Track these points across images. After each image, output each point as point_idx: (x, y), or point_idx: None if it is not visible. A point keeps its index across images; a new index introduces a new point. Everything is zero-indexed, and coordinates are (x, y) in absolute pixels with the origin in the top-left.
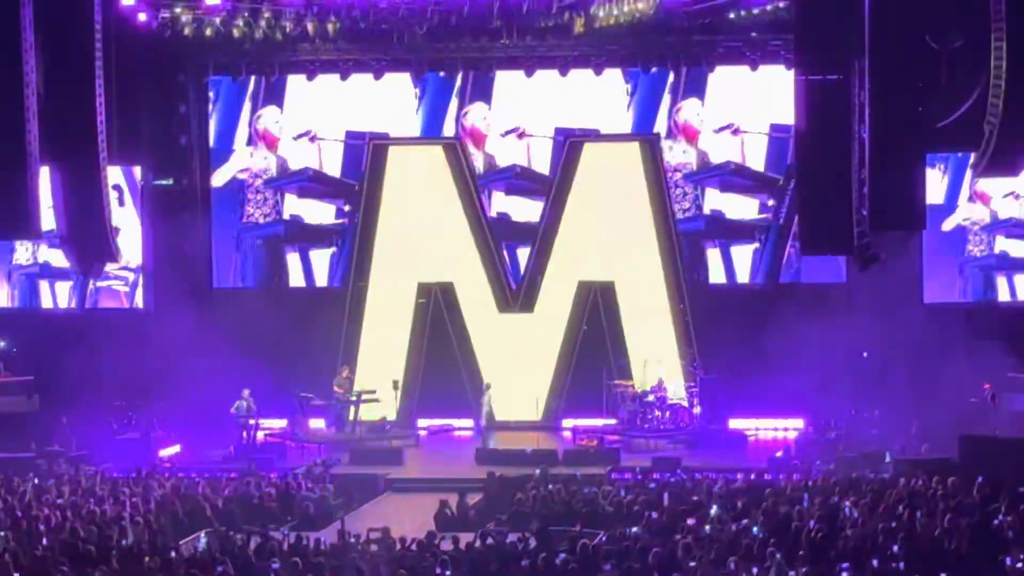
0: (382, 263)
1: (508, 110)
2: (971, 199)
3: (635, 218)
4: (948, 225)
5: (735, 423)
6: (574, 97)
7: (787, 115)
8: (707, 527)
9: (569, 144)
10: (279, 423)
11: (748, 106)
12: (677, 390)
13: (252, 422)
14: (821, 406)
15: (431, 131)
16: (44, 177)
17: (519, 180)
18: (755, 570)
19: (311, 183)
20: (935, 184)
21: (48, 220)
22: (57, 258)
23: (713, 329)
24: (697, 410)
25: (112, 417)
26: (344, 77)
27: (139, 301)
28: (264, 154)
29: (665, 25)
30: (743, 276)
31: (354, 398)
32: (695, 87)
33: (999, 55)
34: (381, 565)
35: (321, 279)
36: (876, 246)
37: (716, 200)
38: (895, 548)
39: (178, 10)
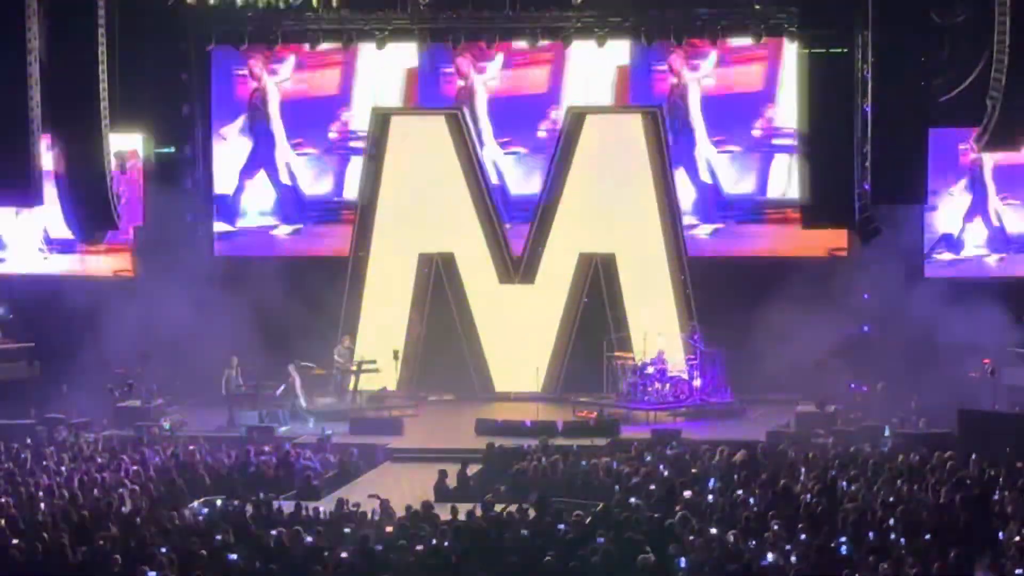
0: (383, 233)
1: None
2: None
3: (637, 190)
4: None
5: (735, 396)
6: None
7: None
8: (708, 498)
9: (571, 115)
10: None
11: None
12: (677, 362)
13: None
14: (820, 379)
15: (432, 101)
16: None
17: None
18: (752, 542)
19: None
20: None
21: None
22: None
23: (714, 301)
24: (697, 383)
25: (112, 384)
26: (346, 46)
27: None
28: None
29: None
30: None
31: (354, 368)
32: None
33: (1002, 30)
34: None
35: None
36: (878, 219)
37: None
38: (893, 522)
39: None
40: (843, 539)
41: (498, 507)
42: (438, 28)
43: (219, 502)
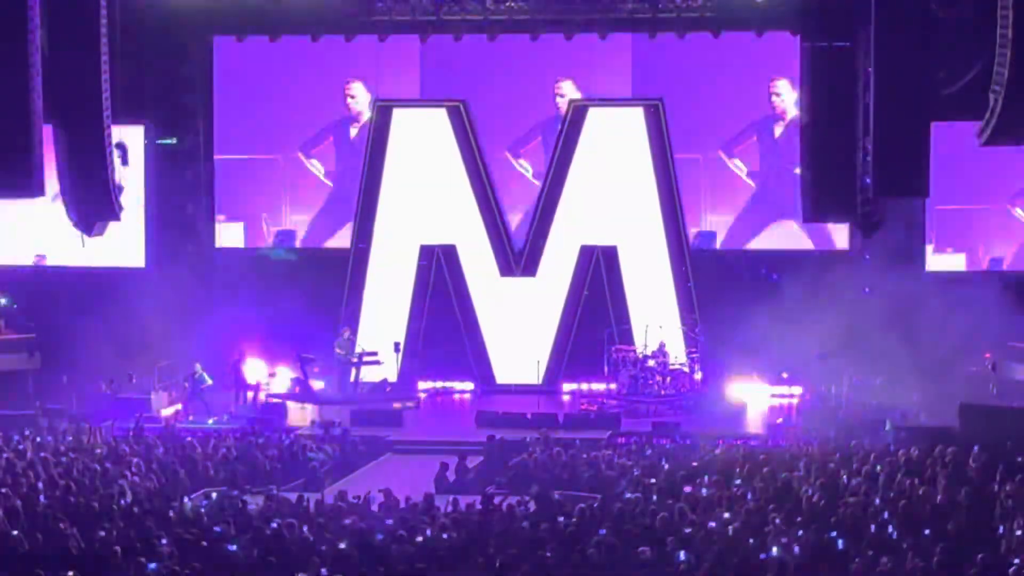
0: (385, 225)
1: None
2: None
3: (638, 183)
4: None
5: (735, 389)
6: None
7: None
8: (704, 491)
9: (573, 108)
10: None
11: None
12: (678, 355)
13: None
14: (822, 373)
15: (434, 93)
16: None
17: None
18: (752, 536)
19: None
20: None
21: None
22: None
23: (715, 295)
24: (698, 376)
25: (113, 376)
26: (348, 39)
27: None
28: None
29: None
30: None
31: (355, 359)
32: None
33: (1004, 23)
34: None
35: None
36: (879, 213)
37: None
38: (894, 516)
39: None
40: (843, 533)
41: (498, 499)
42: (441, 21)
43: (218, 493)
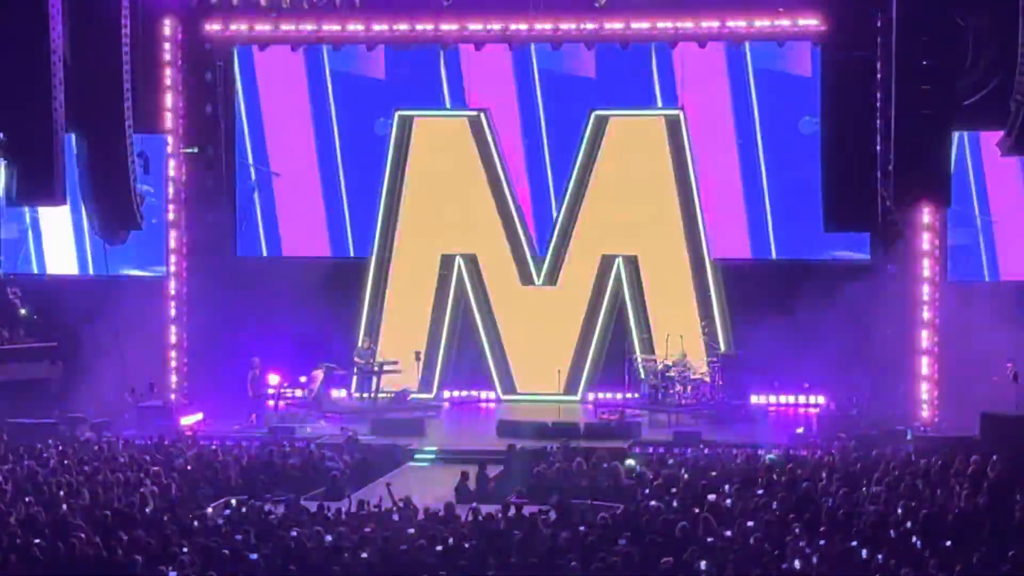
0: (406, 234)
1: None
2: None
3: (659, 192)
4: None
5: (756, 398)
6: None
7: None
8: (728, 501)
9: (594, 118)
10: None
11: None
12: (699, 365)
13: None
14: (843, 382)
15: (455, 103)
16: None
17: None
18: (773, 546)
19: None
20: None
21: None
22: None
23: (736, 304)
24: (719, 385)
25: (134, 384)
26: (370, 48)
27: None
28: None
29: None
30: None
31: (376, 368)
32: None
33: None
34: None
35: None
36: (900, 222)
37: None
38: (915, 526)
39: None
40: (864, 543)
41: (519, 509)
42: (463, 30)
43: (239, 502)
